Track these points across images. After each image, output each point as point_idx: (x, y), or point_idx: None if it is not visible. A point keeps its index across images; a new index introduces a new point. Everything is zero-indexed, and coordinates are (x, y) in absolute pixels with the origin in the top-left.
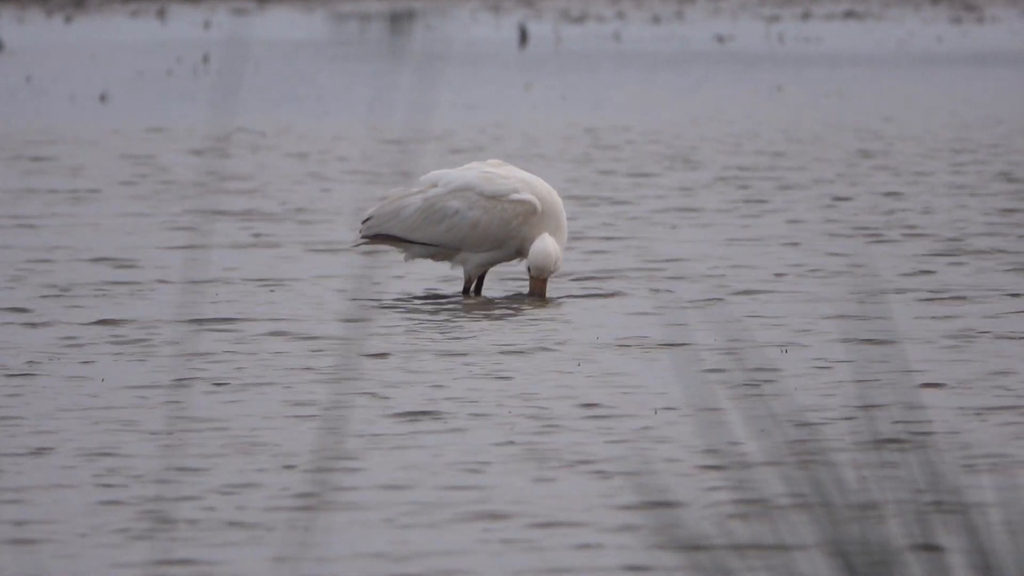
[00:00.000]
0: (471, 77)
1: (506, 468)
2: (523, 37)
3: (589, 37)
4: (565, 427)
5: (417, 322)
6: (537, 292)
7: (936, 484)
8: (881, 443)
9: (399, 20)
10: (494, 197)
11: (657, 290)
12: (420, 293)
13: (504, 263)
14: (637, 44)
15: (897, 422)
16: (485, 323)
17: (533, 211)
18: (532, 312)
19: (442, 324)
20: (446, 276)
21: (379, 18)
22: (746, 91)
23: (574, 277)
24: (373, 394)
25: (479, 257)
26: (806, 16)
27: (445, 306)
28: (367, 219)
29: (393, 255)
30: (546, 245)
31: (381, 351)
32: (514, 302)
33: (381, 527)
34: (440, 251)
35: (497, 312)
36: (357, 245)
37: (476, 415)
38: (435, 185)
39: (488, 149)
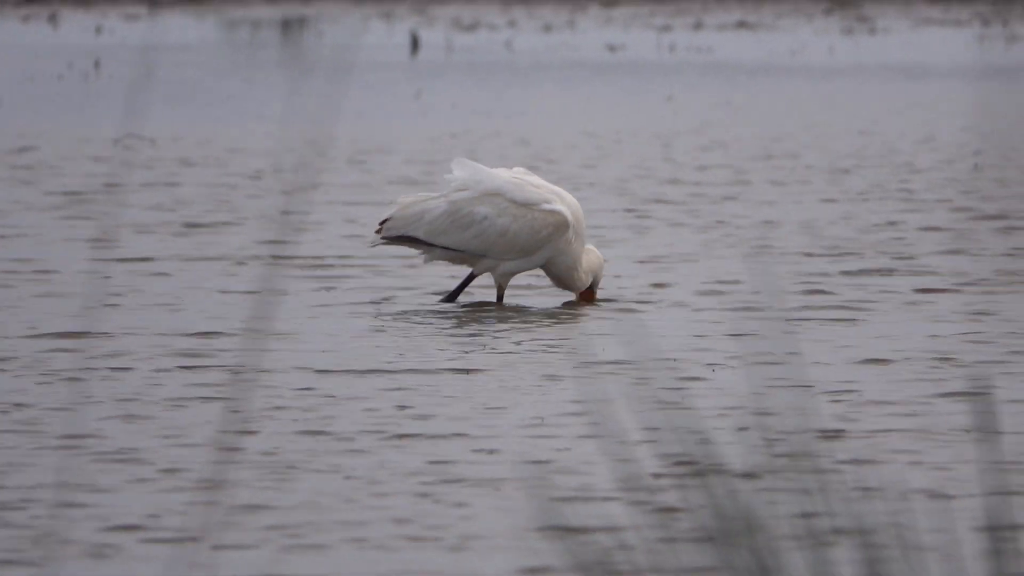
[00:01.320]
0: (362, 85)
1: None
2: (415, 45)
3: (481, 45)
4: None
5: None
6: (587, 300)
7: (831, 507)
8: (777, 463)
9: (290, 27)
10: (526, 205)
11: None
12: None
13: (528, 272)
14: (529, 53)
15: (794, 439)
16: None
17: (565, 224)
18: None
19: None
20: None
21: (271, 25)
22: (637, 100)
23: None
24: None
25: (507, 266)
26: (698, 26)
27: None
28: (385, 220)
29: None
30: (600, 257)
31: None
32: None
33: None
34: (463, 257)
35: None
36: (375, 245)
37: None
38: (462, 187)
39: (379, 156)
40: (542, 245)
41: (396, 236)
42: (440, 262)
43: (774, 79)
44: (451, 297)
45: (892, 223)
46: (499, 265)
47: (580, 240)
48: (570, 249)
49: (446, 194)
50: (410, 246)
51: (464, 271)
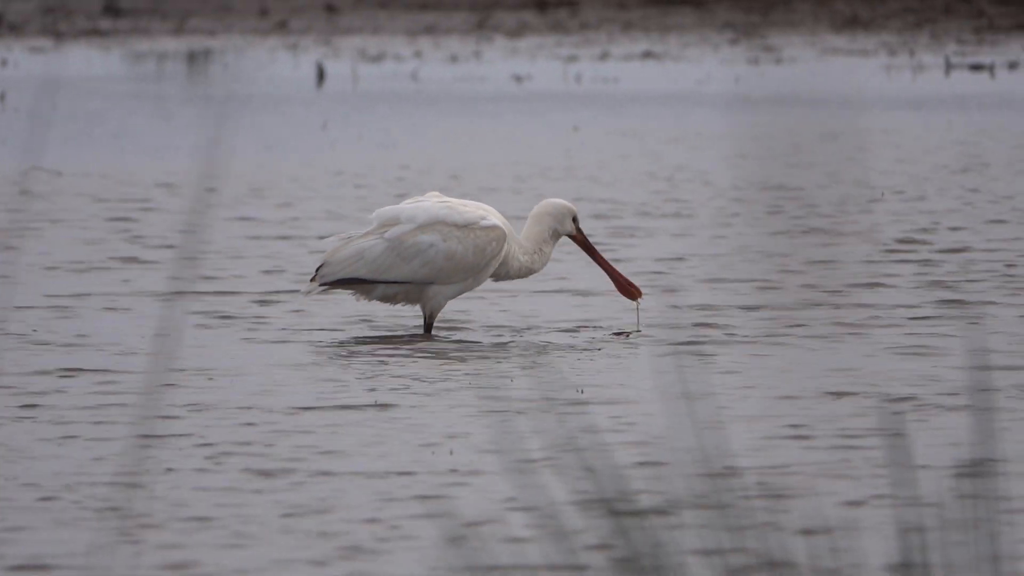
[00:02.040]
0: (269, 117)
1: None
2: (320, 76)
3: (387, 76)
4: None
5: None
6: (584, 239)
7: (741, 542)
8: (687, 499)
9: (196, 59)
10: (466, 226)
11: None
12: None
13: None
14: (435, 83)
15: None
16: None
17: (504, 236)
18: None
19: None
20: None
21: (176, 57)
22: (542, 131)
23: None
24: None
25: (449, 290)
26: (604, 56)
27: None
28: (320, 267)
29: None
30: (554, 200)
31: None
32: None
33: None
34: (407, 289)
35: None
36: (311, 293)
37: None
38: (389, 224)
39: (284, 188)
40: (488, 262)
41: (334, 281)
42: (377, 301)
43: (679, 109)
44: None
45: (787, 255)
46: (441, 291)
47: (513, 241)
48: (511, 253)
49: (376, 231)
50: (348, 289)
51: (400, 309)
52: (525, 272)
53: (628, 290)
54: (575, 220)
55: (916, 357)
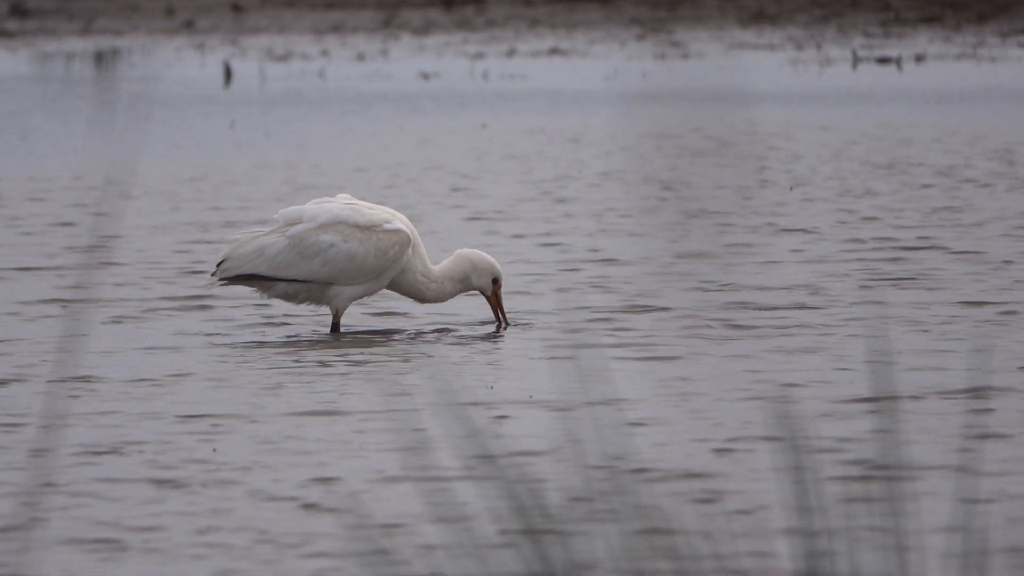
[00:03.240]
0: (176, 116)
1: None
2: (228, 75)
3: (294, 75)
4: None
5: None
6: (498, 303)
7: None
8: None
9: (104, 59)
10: (369, 228)
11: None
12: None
13: (368, 297)
14: (342, 82)
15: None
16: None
17: (407, 241)
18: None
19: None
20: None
21: (84, 57)
22: (451, 128)
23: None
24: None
25: (351, 291)
26: (511, 53)
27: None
28: (222, 261)
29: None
30: (485, 255)
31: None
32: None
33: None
34: (308, 288)
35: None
36: (211, 286)
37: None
38: (292, 223)
39: (193, 184)
40: (390, 265)
41: (234, 276)
42: (278, 299)
43: (587, 106)
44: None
45: (703, 255)
46: (343, 291)
47: (418, 255)
48: (412, 264)
49: (279, 230)
50: (248, 284)
51: (301, 309)
52: (415, 293)
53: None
54: (495, 281)
55: (812, 355)
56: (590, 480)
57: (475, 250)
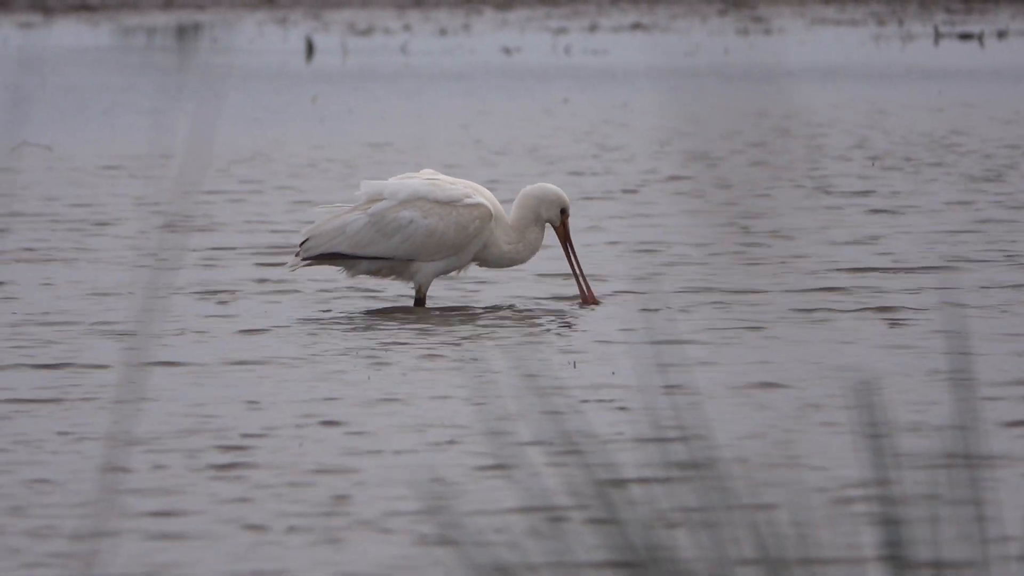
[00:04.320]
0: (258, 90)
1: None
2: (310, 50)
3: (377, 49)
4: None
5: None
6: (566, 234)
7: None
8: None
9: (185, 33)
10: (449, 203)
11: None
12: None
13: (455, 272)
14: (424, 57)
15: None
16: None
17: (489, 215)
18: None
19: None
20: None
21: (165, 31)
22: (533, 104)
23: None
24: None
25: (433, 266)
26: (593, 28)
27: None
28: (304, 241)
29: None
30: (546, 185)
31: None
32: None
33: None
34: (391, 264)
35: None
36: (295, 268)
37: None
38: (374, 199)
39: (275, 159)
40: (470, 240)
41: (317, 255)
42: (363, 275)
43: (669, 80)
44: (420, 303)
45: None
46: (424, 267)
47: (501, 226)
48: (495, 238)
49: (361, 206)
50: (332, 263)
51: (386, 283)
52: (507, 262)
53: (587, 300)
54: (563, 211)
55: (888, 337)
56: (672, 464)
57: (536, 184)
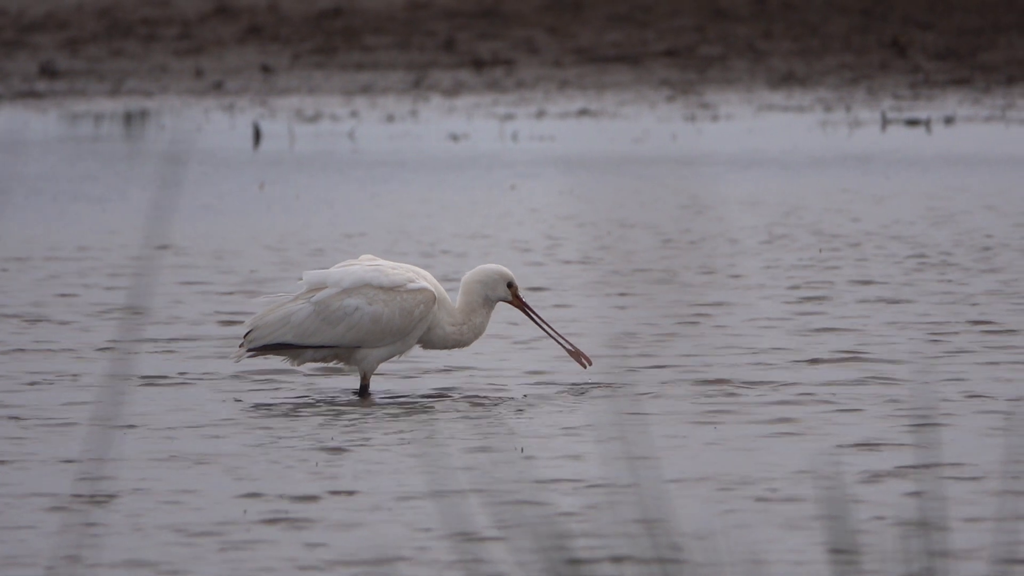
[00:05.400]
0: (205, 176)
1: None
2: (257, 136)
3: (323, 135)
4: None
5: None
6: (522, 304)
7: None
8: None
9: (133, 120)
10: (392, 288)
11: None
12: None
13: (397, 356)
14: (372, 142)
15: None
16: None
17: (432, 299)
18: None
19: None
20: None
21: (113, 118)
22: (479, 190)
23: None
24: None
25: (379, 352)
26: (540, 115)
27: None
28: (248, 332)
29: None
30: (486, 266)
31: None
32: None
33: None
34: (336, 352)
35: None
36: (240, 359)
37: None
38: (317, 288)
39: (220, 247)
40: (415, 325)
41: (262, 346)
42: (309, 363)
43: (616, 167)
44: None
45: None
46: (370, 354)
47: (444, 309)
48: (438, 320)
49: (304, 295)
50: (277, 354)
51: (335, 368)
52: (451, 344)
53: (578, 359)
54: (511, 285)
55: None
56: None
57: (476, 268)
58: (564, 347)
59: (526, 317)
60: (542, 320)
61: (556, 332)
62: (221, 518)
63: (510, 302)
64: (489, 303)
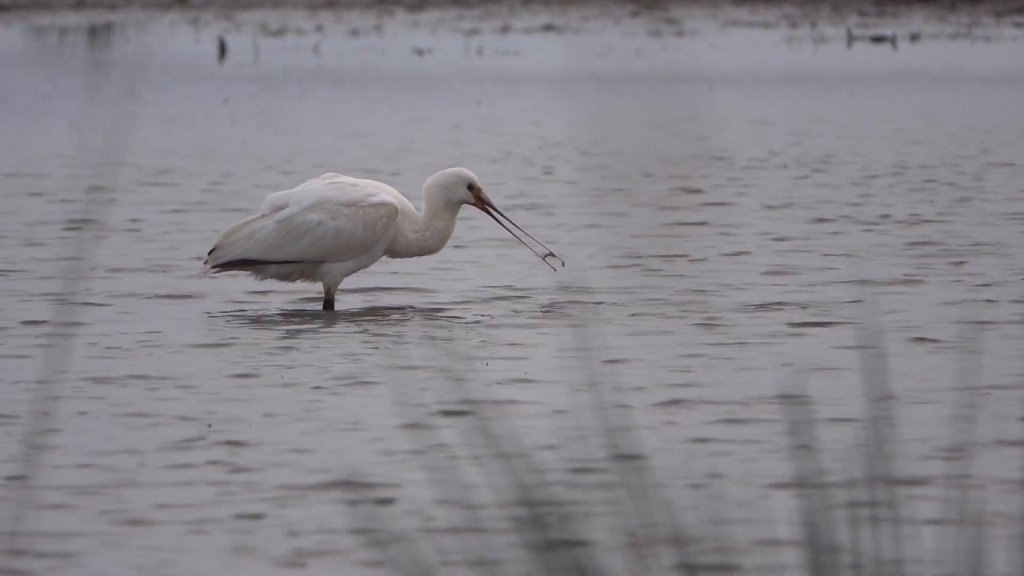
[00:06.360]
0: (170, 91)
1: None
2: (222, 51)
3: (289, 50)
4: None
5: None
6: (485, 204)
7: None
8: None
9: (98, 33)
10: (353, 204)
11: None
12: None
13: (364, 269)
14: (336, 57)
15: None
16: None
17: (395, 211)
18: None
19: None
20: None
21: (78, 31)
22: (445, 106)
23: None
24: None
25: (343, 266)
26: (505, 29)
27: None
28: (213, 250)
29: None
30: (446, 170)
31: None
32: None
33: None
34: (301, 268)
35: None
36: (205, 275)
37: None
38: (280, 208)
39: (188, 157)
40: (379, 237)
41: (226, 262)
42: (272, 279)
43: (580, 83)
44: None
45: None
46: (334, 268)
47: (408, 218)
48: (402, 228)
49: (268, 216)
50: (241, 269)
51: (296, 286)
52: (416, 250)
53: (548, 260)
54: (471, 187)
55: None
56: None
57: (435, 174)
58: (533, 249)
59: (494, 220)
60: (509, 220)
61: (524, 232)
62: (180, 437)
63: (473, 204)
64: (451, 206)
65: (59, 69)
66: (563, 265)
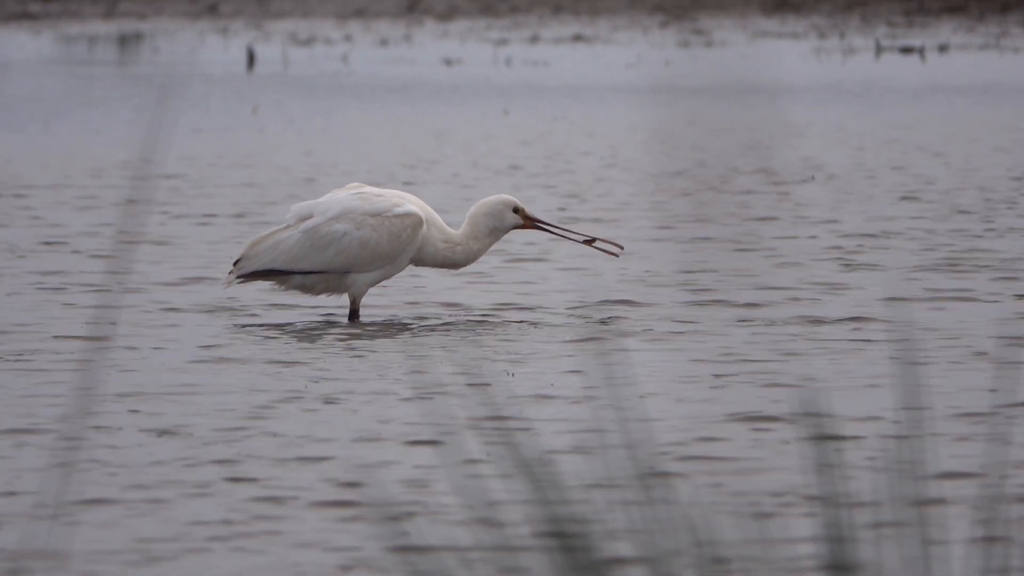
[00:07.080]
0: (198, 100)
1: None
2: (251, 59)
3: (317, 59)
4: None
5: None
6: (535, 223)
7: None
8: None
9: (127, 42)
10: (378, 214)
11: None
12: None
13: (389, 280)
14: (365, 66)
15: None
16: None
17: (420, 222)
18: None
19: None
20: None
21: (107, 40)
22: (472, 115)
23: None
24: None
25: (368, 277)
26: (534, 40)
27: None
28: (238, 260)
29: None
30: (490, 197)
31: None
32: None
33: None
34: (326, 278)
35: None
36: (230, 285)
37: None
38: (305, 218)
39: (211, 172)
40: (404, 248)
41: (251, 272)
42: (296, 292)
43: (610, 93)
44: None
45: (713, 241)
46: (359, 278)
47: (435, 227)
48: (430, 238)
49: (293, 226)
50: (266, 279)
51: (321, 300)
52: (442, 261)
53: (606, 249)
54: (516, 210)
55: (842, 344)
56: (615, 468)
57: (480, 201)
58: (592, 246)
59: (545, 233)
60: (559, 227)
61: (576, 232)
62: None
63: (523, 226)
64: (497, 233)
65: (88, 78)
66: (623, 249)
